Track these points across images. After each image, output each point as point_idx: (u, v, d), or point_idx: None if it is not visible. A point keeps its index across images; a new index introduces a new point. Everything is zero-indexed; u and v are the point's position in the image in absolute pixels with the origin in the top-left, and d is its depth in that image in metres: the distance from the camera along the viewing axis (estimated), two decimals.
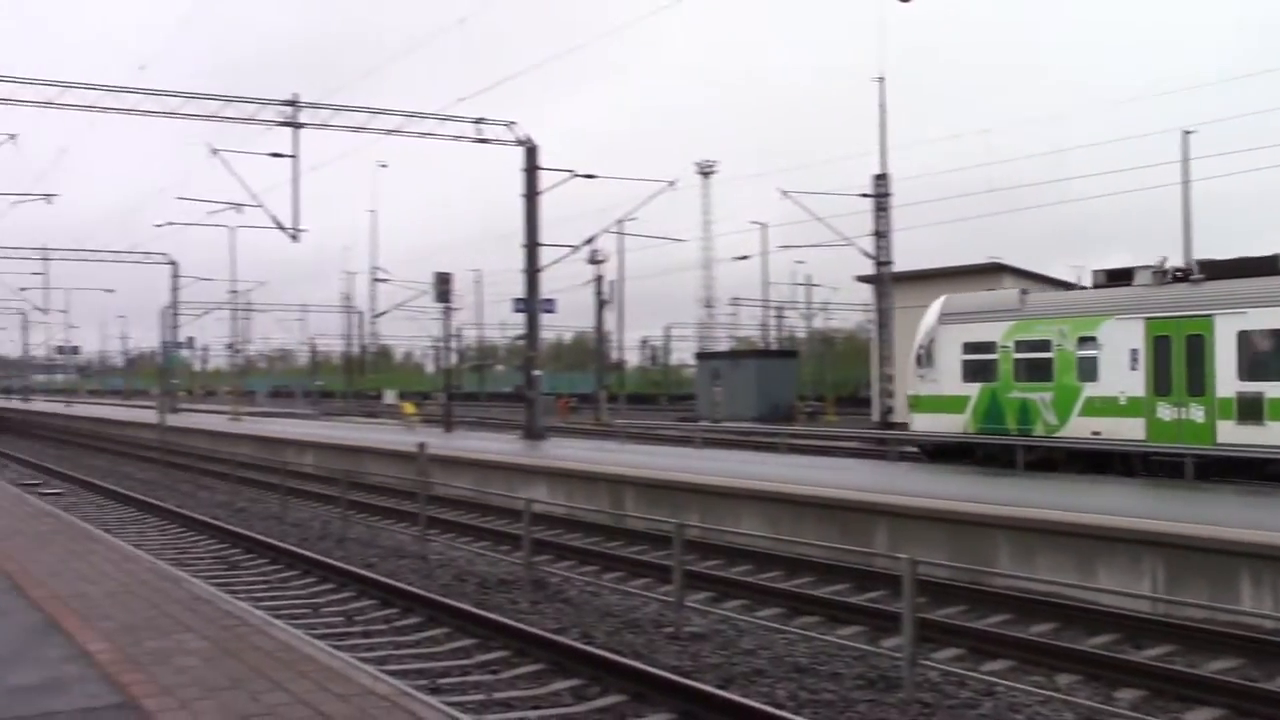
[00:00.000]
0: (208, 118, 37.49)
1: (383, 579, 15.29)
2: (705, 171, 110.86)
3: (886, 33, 60.40)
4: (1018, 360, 25.69)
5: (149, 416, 51.14)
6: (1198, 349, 22.63)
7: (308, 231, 40.86)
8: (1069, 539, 15.08)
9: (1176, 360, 22.99)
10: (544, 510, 21.77)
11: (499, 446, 31.93)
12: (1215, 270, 23.34)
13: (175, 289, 70.89)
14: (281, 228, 39.15)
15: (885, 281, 38.92)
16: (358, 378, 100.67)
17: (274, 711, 6.10)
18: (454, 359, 74.46)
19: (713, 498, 20.26)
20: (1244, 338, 22.03)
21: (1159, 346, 23.27)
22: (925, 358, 27.62)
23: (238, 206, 46.18)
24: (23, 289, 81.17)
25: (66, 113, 36.86)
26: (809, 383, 72.78)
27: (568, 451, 29.43)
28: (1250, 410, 21.63)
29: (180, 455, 34.90)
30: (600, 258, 60.73)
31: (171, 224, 61.12)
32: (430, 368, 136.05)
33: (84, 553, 11.96)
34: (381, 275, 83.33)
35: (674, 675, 10.30)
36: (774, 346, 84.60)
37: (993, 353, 26.11)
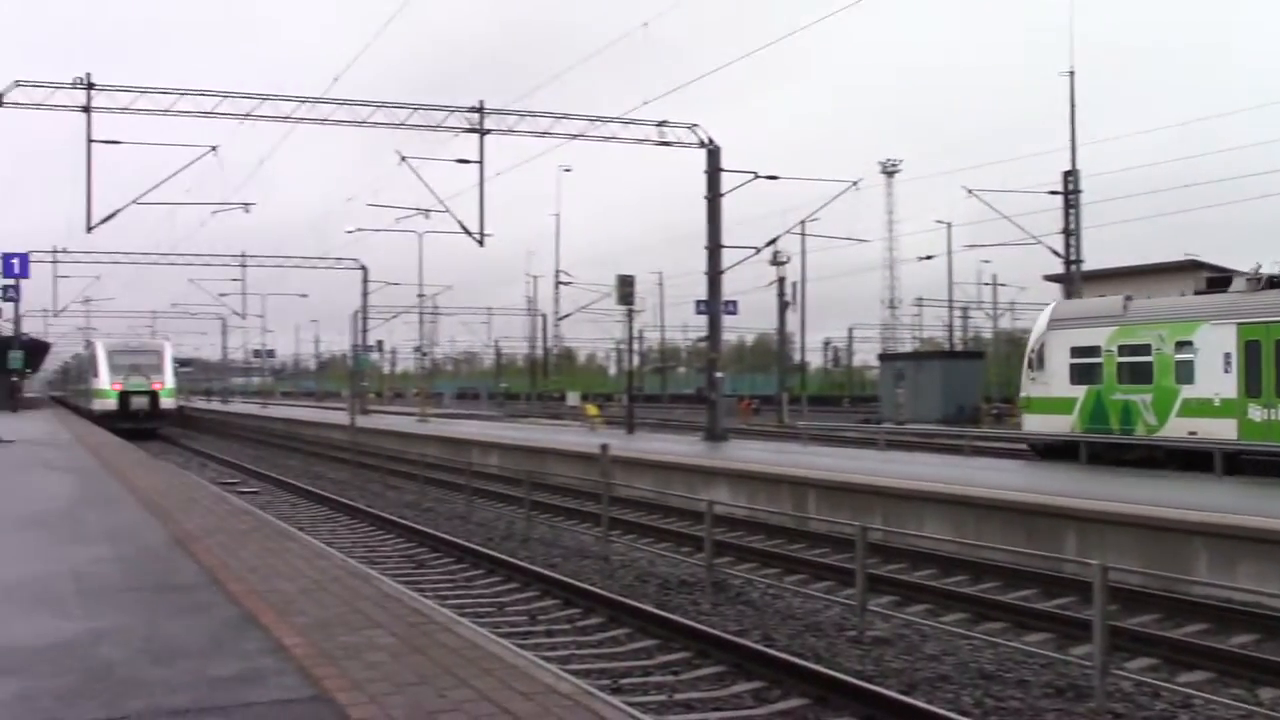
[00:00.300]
0: (396, 126, 38.52)
1: (566, 579, 15.47)
2: (889, 171, 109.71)
3: (1077, 25, 58.89)
4: (1121, 364, 26.93)
5: (340, 418, 52.63)
6: None
7: (493, 236, 41.62)
8: (1276, 547, 14.47)
9: (1266, 363, 23.93)
10: (725, 512, 21.77)
11: (681, 448, 32.03)
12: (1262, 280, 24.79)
13: (365, 293, 72.91)
14: (468, 232, 39.96)
15: (1075, 280, 38.00)
16: (541, 380, 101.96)
17: (460, 708, 6.21)
18: (636, 361, 74.97)
19: (896, 500, 20.02)
20: None
21: (1250, 350, 24.17)
22: (1036, 361, 29.12)
23: (425, 212, 47.29)
24: (222, 295, 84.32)
25: (263, 125, 38.24)
26: (995, 384, 71.29)
27: (749, 453, 29.38)
28: None
29: (370, 456, 35.79)
30: (783, 259, 60.47)
31: (362, 230, 63.03)
32: (613, 370, 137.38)
33: (279, 550, 12.35)
34: (565, 278, 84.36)
35: (856, 679, 10.21)
36: (959, 347, 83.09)
37: (1097, 356, 27.45)
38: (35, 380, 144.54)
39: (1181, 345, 25.45)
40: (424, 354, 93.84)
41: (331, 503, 26.10)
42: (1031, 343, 29.87)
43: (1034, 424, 29.26)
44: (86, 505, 17.05)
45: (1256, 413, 23.78)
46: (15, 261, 37.58)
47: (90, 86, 35.80)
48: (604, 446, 24.66)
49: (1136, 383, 26.46)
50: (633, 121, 38.24)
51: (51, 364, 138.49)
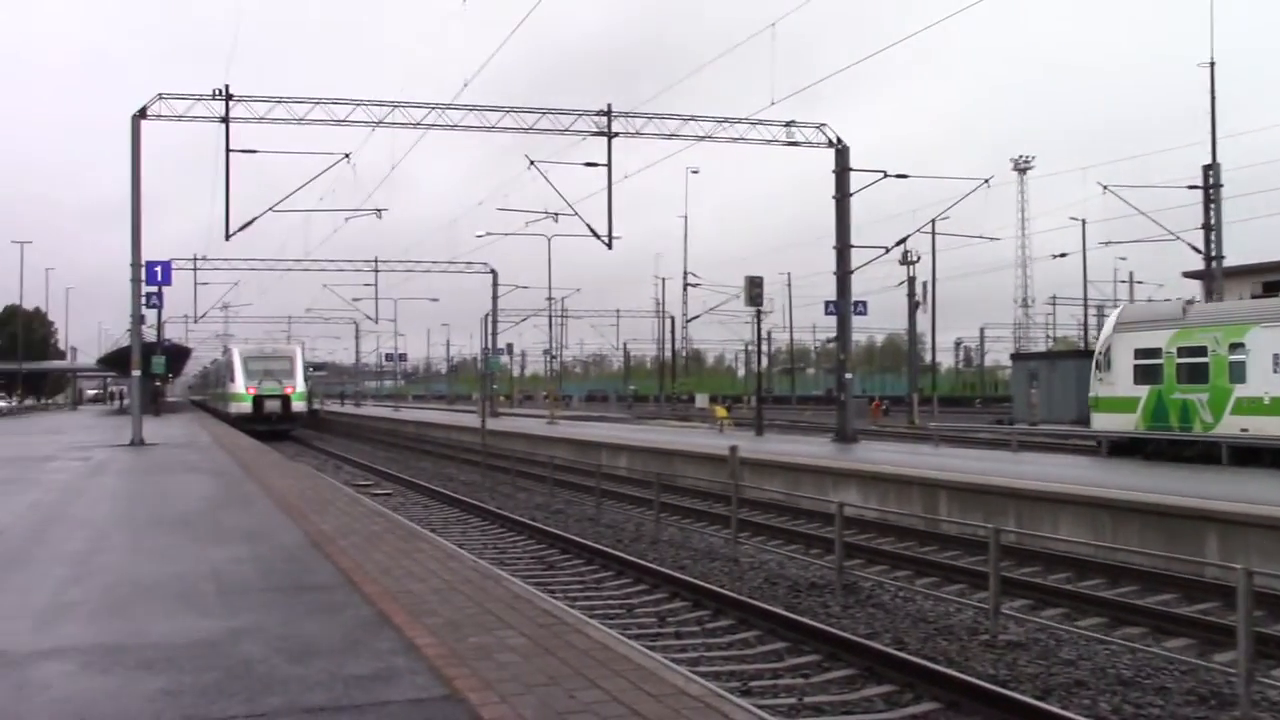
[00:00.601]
0: (525, 130, 38.91)
1: (695, 580, 15.46)
2: (1021, 168, 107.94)
3: (1217, 16, 57.39)
4: (1180, 364, 28.28)
5: (470, 420, 53.27)
6: None
7: (621, 238, 41.88)
8: None
9: None
10: (855, 514, 21.60)
11: (810, 450, 31.87)
12: None
13: (495, 297, 73.69)
14: (596, 235, 40.21)
15: (1215, 277, 37.01)
16: (670, 382, 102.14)
17: (590, 709, 6.25)
18: (765, 362, 74.67)
19: (1030, 502, 19.68)
20: None
21: None
22: (1104, 363, 30.47)
23: (554, 215, 47.67)
24: (355, 299, 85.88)
25: (395, 131, 38.90)
26: None
27: (879, 455, 29.12)
28: None
29: (500, 458, 36.17)
30: (912, 258, 59.91)
31: (491, 234, 63.88)
32: (741, 371, 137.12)
33: (411, 551, 12.54)
34: (693, 280, 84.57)
35: (990, 684, 10.06)
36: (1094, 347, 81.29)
37: (1159, 358, 28.81)
38: (176, 385, 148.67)
39: (1235, 347, 26.75)
40: (553, 356, 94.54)
41: (462, 504, 26.42)
42: (1099, 345, 31.36)
43: (1102, 422, 30.62)
44: (225, 506, 17.48)
45: None
46: (158, 269, 38.57)
47: (229, 97, 36.77)
48: (733, 448, 24.63)
49: (1194, 382, 27.81)
50: (760, 122, 38.20)
51: (192, 369, 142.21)
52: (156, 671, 7.08)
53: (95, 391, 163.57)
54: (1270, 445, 25.23)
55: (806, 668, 11.31)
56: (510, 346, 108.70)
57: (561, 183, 42.13)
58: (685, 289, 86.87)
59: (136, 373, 37.67)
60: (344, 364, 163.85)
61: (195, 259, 73.87)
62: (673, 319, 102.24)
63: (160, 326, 67.76)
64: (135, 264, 36.33)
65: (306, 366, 73.89)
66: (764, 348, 64.80)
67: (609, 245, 40.36)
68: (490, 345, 74.76)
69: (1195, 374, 27.82)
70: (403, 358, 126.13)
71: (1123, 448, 29.62)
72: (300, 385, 64.49)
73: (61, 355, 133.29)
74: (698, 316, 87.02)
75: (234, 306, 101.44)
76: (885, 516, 22.02)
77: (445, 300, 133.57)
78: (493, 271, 73.94)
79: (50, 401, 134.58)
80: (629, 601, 14.96)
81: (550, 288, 77.57)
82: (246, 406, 61.74)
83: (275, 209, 40.17)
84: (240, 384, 62.94)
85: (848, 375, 37.80)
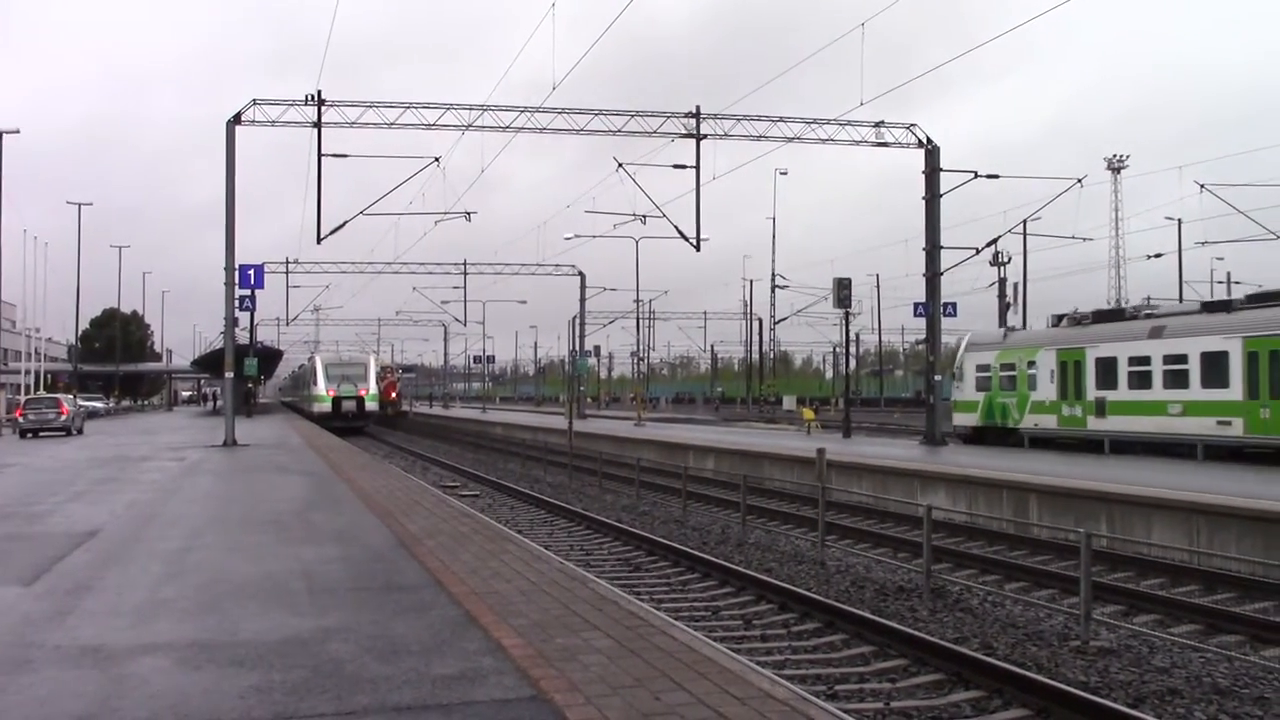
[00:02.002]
0: (613, 133, 39.00)
1: (781, 583, 15.42)
2: (1116, 167, 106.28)
3: None
4: (1001, 377, 38.23)
5: (558, 422, 53.49)
6: (1080, 369, 34.42)
7: (709, 240, 41.84)
8: None
9: (1070, 376, 34.92)
10: (943, 517, 21.41)
11: (898, 452, 31.64)
12: (1099, 317, 35.75)
13: (583, 299, 74.00)
14: (684, 237, 40.20)
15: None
16: (757, 384, 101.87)
17: (675, 711, 6.27)
18: (853, 364, 74.14)
19: (1122, 506, 19.39)
20: (1100, 363, 33.61)
21: (1062, 367, 35.26)
22: (958, 374, 40.59)
23: (642, 218, 47.75)
24: (444, 302, 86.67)
25: (484, 135, 39.19)
26: None
27: (968, 458, 28.84)
28: (1101, 408, 33.43)
29: (587, 460, 36.28)
30: (1003, 259, 59.23)
31: (579, 236, 64.26)
32: (829, 373, 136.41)
33: (498, 552, 12.63)
34: (781, 282, 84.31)
35: (1081, 691, 9.93)
36: None
37: (989, 372, 38.79)
38: (268, 386, 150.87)
39: (1030, 364, 36.68)
40: (640, 359, 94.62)
41: (549, 506, 26.55)
42: (956, 361, 41.36)
43: (958, 419, 40.59)
44: (316, 507, 17.73)
45: (1066, 410, 35.05)
46: (251, 273, 39.21)
47: (321, 103, 37.28)
48: (820, 451, 24.48)
49: (1007, 390, 37.85)
50: (850, 123, 38.02)
51: (283, 371, 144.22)
52: (248, 668, 7.21)
53: (190, 393, 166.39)
54: (1049, 436, 35.46)
55: (893, 672, 11.24)
56: (597, 349, 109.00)
57: (650, 185, 42.34)
58: (773, 291, 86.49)
59: (229, 375, 38.25)
60: (432, 366, 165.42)
61: (287, 262, 75.11)
62: (760, 321, 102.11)
63: (253, 329, 68.96)
64: (229, 267, 36.95)
65: (387, 370, 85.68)
66: (852, 350, 64.36)
67: (697, 247, 40.37)
68: (578, 347, 75.08)
69: (1008, 384, 37.81)
70: (491, 359, 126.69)
71: (970, 438, 39.41)
72: (372, 388, 73.88)
73: (157, 357, 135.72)
74: (786, 318, 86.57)
75: (325, 309, 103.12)
76: (974, 520, 21.82)
77: (533, 302, 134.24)
78: (580, 274, 74.32)
79: (146, 403, 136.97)
80: (715, 604, 14.96)
81: (638, 290, 77.42)
82: (326, 406, 71.44)
83: (366, 212, 40.70)
84: (322, 387, 72.77)
85: (937, 378, 37.43)
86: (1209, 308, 31.77)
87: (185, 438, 44.24)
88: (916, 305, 38.97)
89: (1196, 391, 30.10)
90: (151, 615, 9.08)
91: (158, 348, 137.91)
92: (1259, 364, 28.67)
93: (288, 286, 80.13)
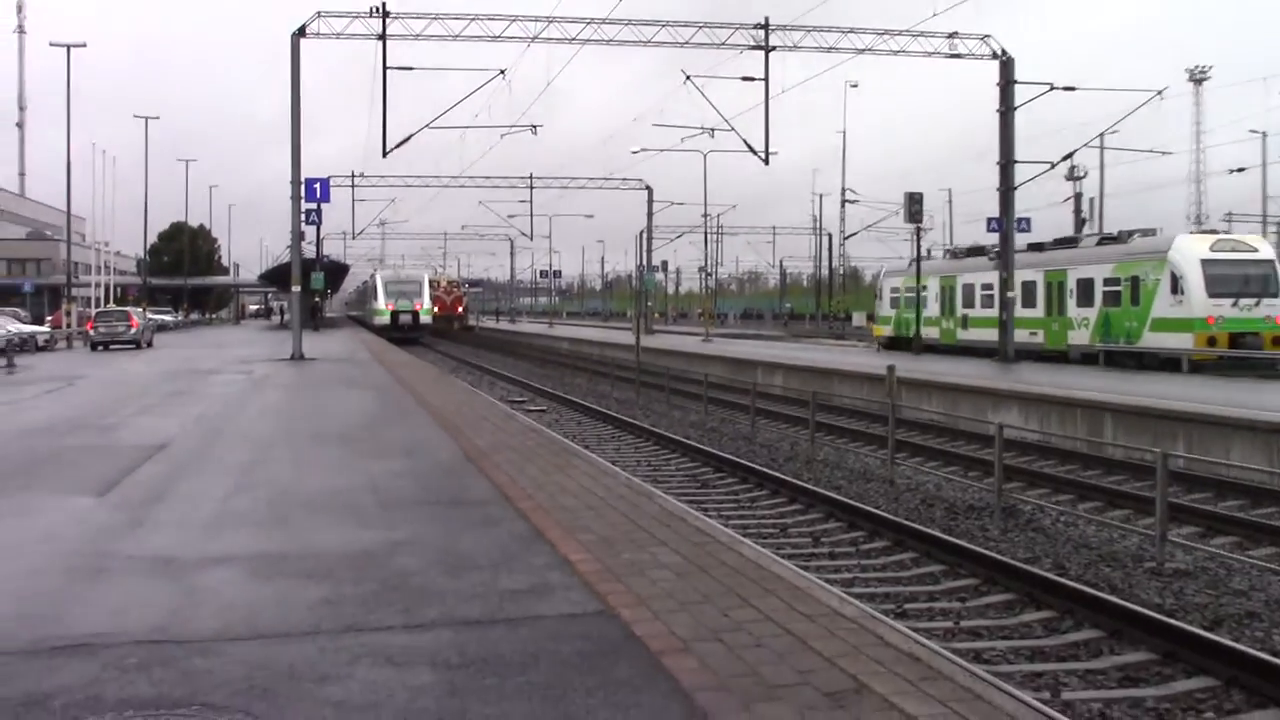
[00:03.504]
0: (681, 45, 38.61)
1: (850, 501, 15.43)
2: (1197, 79, 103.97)
3: None
4: (905, 298, 48.40)
5: (625, 338, 53.54)
6: (953, 293, 45.27)
7: (778, 154, 41.48)
8: None
9: (947, 298, 45.49)
10: (1016, 436, 21.24)
11: (969, 370, 31.41)
12: (969, 252, 47.61)
13: (650, 214, 73.70)
14: (753, 151, 39.91)
15: None
16: (826, 300, 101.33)
17: (743, 627, 6.30)
18: None
19: (1200, 426, 19.15)
20: (965, 288, 44.42)
21: (943, 292, 45.97)
22: (878, 295, 53.30)
23: (710, 131, 47.40)
24: (510, 216, 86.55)
25: (550, 47, 38.93)
26: None
27: (1042, 376, 28.57)
28: (965, 323, 44.21)
29: (654, 375, 36.31)
30: (1079, 174, 58.29)
31: (646, 150, 63.74)
32: None
33: (565, 467, 12.71)
34: (851, 197, 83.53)
35: (1155, 613, 9.87)
36: None
37: (897, 294, 49.97)
38: (334, 300, 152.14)
39: (924, 289, 46.21)
40: (708, 274, 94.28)
41: (616, 421, 26.66)
42: (878, 286, 54.15)
43: (878, 331, 52.58)
44: (383, 422, 17.91)
45: (944, 324, 45.48)
46: (317, 187, 39.34)
47: (385, 14, 37.13)
48: (890, 368, 24.38)
49: (909, 309, 47.23)
50: (922, 34, 37.38)
51: (350, 285, 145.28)
52: (317, 581, 7.32)
53: (257, 307, 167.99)
54: (934, 344, 45.04)
55: (963, 591, 11.24)
56: (665, 264, 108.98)
57: (718, 98, 41.97)
58: (843, 205, 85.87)
59: (296, 289, 38.49)
60: (499, 281, 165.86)
61: (353, 176, 75.44)
62: (830, 236, 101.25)
63: (319, 243, 69.26)
64: (295, 181, 36.99)
65: (453, 285, 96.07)
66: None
67: (765, 161, 40.05)
68: (645, 262, 74.94)
69: (909, 304, 47.29)
70: (557, 275, 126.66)
71: (887, 345, 49.36)
72: (426, 303, 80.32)
73: (225, 271, 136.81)
74: (856, 234, 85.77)
75: (391, 223, 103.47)
76: (1047, 439, 21.65)
77: (600, 217, 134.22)
78: (648, 188, 73.99)
79: (214, 316, 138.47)
80: (783, 521, 14.99)
81: (705, 204, 76.74)
82: (386, 319, 77.47)
83: (431, 126, 40.64)
84: (381, 302, 79.09)
85: (1010, 294, 37.01)
86: (1031, 248, 41.07)
87: (252, 351, 44.76)
88: (990, 220, 38.47)
89: (1019, 310, 38.45)
90: (221, 527, 9.23)
91: (225, 261, 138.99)
92: (1053, 291, 38.52)
93: (353, 201, 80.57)
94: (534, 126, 48.29)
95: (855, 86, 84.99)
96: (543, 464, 12.91)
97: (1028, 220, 41.05)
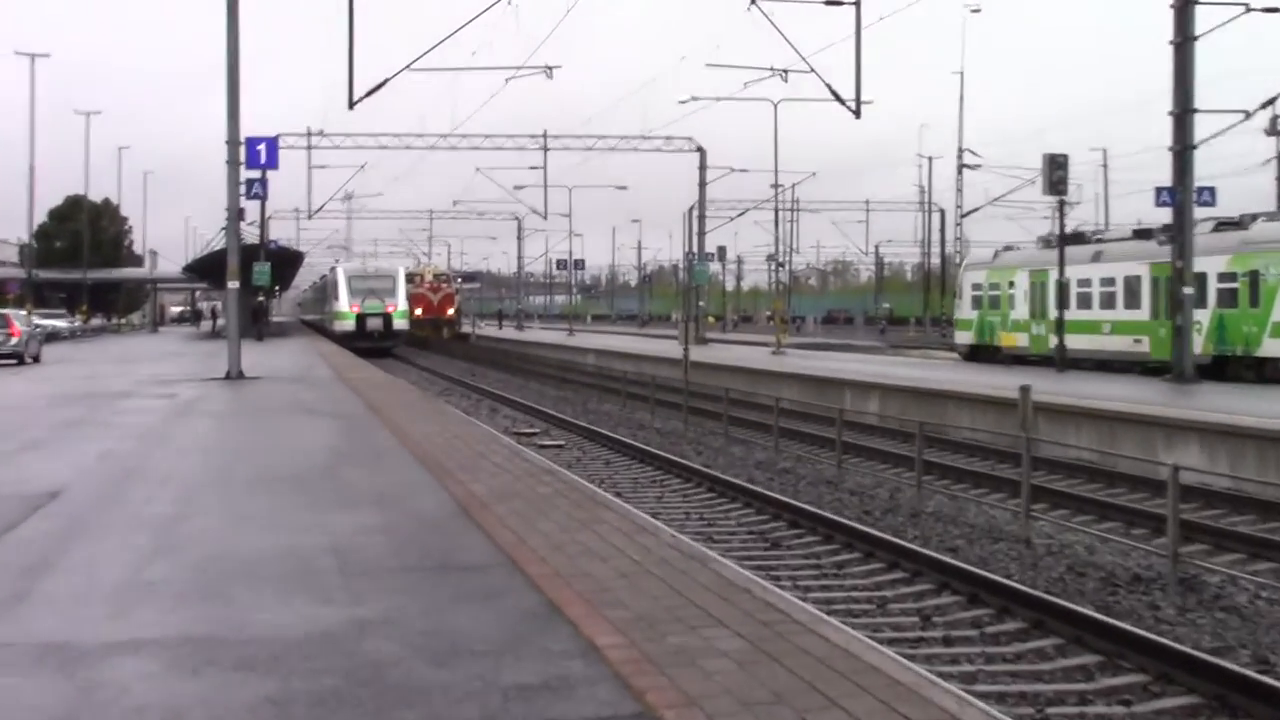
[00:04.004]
0: None
1: (970, 568, 15.38)
2: None
3: None
4: (990, 296, 51.52)
5: (669, 349, 53.54)
6: (1044, 290, 46.69)
7: (872, 104, 41.38)
8: None
9: (1038, 296, 47.63)
10: (1197, 481, 21.12)
11: (1131, 391, 31.22)
12: (1067, 240, 44.93)
13: (702, 183, 73.29)
14: (839, 100, 39.85)
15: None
16: (937, 298, 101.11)
17: None
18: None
19: None
20: (1058, 284, 43.76)
21: (1033, 289, 48.30)
22: (959, 292, 55.64)
23: (782, 74, 47.38)
24: (518, 188, 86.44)
25: None
26: None
27: (1234, 400, 28.36)
28: (1055, 328, 44.09)
29: (708, 399, 36.27)
30: None
31: (697, 100, 63.49)
32: None
33: (590, 521, 12.68)
34: (971, 160, 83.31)
35: None
36: None
37: (981, 291, 52.29)
38: (284, 300, 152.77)
39: (1010, 284, 49.54)
40: (780, 264, 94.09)
41: (657, 460, 26.63)
42: (958, 281, 56.99)
43: (958, 337, 55.63)
44: (350, 460, 17.95)
45: (1035, 329, 47.82)
46: (261, 148, 37.95)
47: None
48: (1024, 389, 24.28)
49: (993, 310, 51.16)
50: None
51: (305, 280, 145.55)
52: (261, 673, 7.30)
53: (182, 309, 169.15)
54: (1024, 354, 48.11)
55: (1127, 691, 11.15)
56: (722, 250, 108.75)
57: (793, 29, 41.68)
58: (960, 172, 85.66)
59: (234, 284, 38.18)
60: (503, 274, 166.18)
61: (310, 134, 75.44)
62: (943, 213, 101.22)
63: (264, 224, 69.52)
64: (232, 141, 36.72)
65: (442, 279, 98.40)
66: None
67: (856, 113, 40.04)
68: (695, 249, 74.77)
69: (994, 303, 50.97)
70: (580, 265, 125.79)
71: (968, 356, 52.71)
72: (402, 304, 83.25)
73: (139, 261, 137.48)
74: (977, 209, 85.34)
75: (359, 197, 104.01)
76: (1240, 486, 21.50)
77: (636, 189, 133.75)
78: (700, 149, 73.70)
79: (124, 321, 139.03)
80: (880, 594, 14.95)
81: (776, 172, 76.63)
82: (350, 324, 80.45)
83: (414, 67, 40.83)
84: (344, 302, 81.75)
85: (1187, 291, 36.75)
86: (1138, 235, 43.72)
87: (176, 368, 44.98)
88: (1159, 191, 38.13)
89: (1118, 313, 42.22)
90: (133, 602, 9.23)
91: (138, 249, 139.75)
92: (1160, 288, 39.90)
93: (310, 167, 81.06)
94: (549, 68, 48.59)
95: (977, 12, 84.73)
96: (560, 517, 12.89)
97: (1211, 190, 40.70)
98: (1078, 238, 47.69)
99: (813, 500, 21.22)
